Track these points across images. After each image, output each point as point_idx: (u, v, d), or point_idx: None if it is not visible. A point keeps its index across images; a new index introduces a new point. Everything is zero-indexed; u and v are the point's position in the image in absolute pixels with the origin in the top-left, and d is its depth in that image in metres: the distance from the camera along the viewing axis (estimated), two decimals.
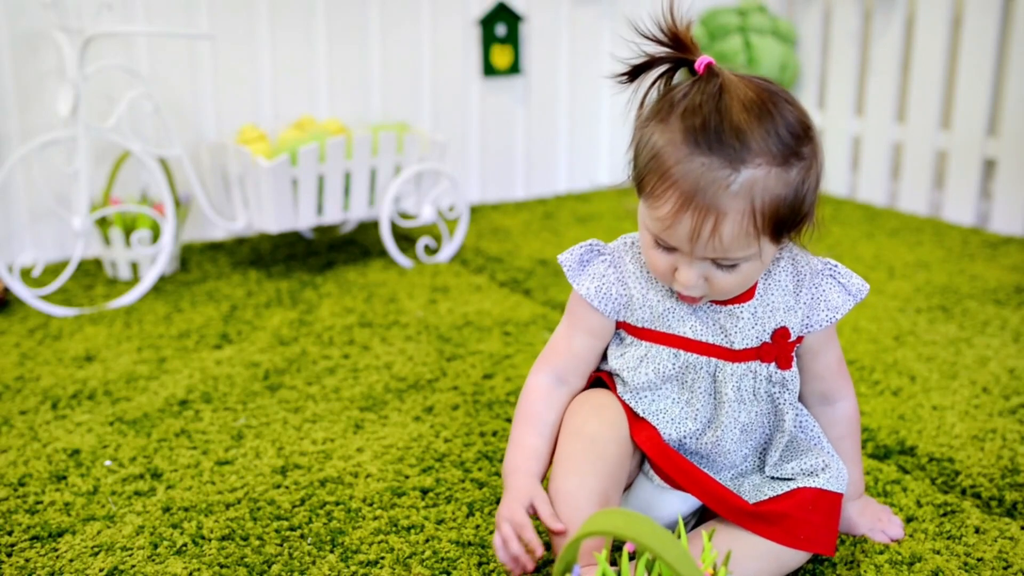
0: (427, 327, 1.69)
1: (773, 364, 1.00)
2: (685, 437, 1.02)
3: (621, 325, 1.03)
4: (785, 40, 2.66)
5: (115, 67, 1.84)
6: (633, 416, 1.02)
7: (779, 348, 0.99)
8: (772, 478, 1.03)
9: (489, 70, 2.46)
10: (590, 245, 1.03)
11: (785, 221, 0.91)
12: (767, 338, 0.99)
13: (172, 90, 2.09)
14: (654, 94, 0.95)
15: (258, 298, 1.84)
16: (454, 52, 2.42)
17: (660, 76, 0.95)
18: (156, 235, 1.92)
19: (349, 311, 1.77)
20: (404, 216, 2.16)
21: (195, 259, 2.07)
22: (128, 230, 1.90)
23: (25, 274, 1.90)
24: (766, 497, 1.00)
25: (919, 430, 1.33)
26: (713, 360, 0.99)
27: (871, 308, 1.79)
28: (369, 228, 2.27)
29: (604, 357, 1.07)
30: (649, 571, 0.82)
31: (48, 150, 1.90)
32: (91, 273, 1.97)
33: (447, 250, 2.09)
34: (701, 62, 0.91)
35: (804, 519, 0.98)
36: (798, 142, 0.90)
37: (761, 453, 1.05)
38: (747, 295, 0.98)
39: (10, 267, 1.84)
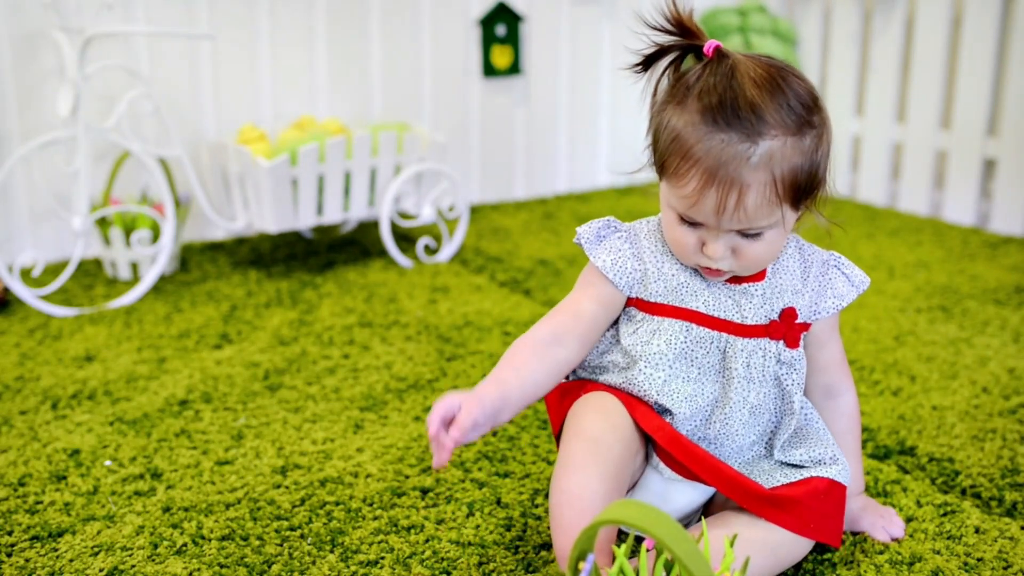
0: (427, 327, 1.69)
1: (781, 342, 1.02)
2: (694, 416, 1.02)
3: (633, 302, 1.04)
4: (785, 40, 2.66)
5: (115, 67, 1.84)
6: (640, 408, 1.03)
7: (787, 326, 1.03)
8: (782, 463, 1.05)
9: (489, 70, 2.46)
10: (607, 221, 1.06)
11: (803, 188, 0.95)
12: (776, 316, 1.03)
13: (172, 90, 2.09)
14: (665, 82, 1.00)
15: (258, 298, 1.84)
16: (454, 52, 2.42)
17: (670, 64, 1.00)
18: (156, 235, 1.92)
19: (349, 311, 1.77)
20: (404, 216, 2.16)
21: (195, 259, 2.07)
22: (128, 230, 1.90)
23: (25, 274, 1.90)
24: (779, 484, 1.02)
25: (919, 430, 1.33)
26: (724, 335, 1.02)
27: (871, 308, 1.79)
28: (369, 228, 2.27)
29: (605, 351, 1.07)
30: (668, 572, 0.82)
31: (48, 150, 1.90)
32: (91, 273, 1.97)
33: (447, 250, 2.09)
34: (709, 46, 0.96)
35: (815, 508, 1.00)
36: (809, 112, 0.94)
37: (769, 440, 1.06)
38: (759, 276, 1.02)
39: (10, 267, 1.84)
